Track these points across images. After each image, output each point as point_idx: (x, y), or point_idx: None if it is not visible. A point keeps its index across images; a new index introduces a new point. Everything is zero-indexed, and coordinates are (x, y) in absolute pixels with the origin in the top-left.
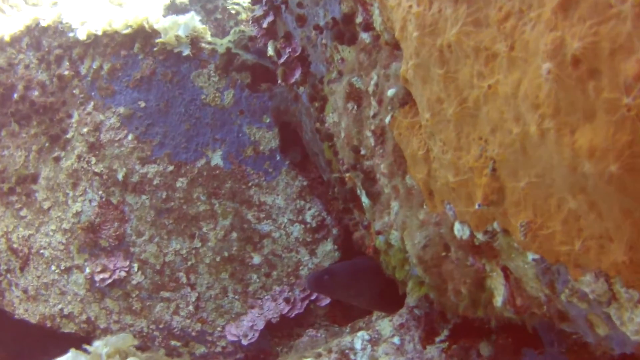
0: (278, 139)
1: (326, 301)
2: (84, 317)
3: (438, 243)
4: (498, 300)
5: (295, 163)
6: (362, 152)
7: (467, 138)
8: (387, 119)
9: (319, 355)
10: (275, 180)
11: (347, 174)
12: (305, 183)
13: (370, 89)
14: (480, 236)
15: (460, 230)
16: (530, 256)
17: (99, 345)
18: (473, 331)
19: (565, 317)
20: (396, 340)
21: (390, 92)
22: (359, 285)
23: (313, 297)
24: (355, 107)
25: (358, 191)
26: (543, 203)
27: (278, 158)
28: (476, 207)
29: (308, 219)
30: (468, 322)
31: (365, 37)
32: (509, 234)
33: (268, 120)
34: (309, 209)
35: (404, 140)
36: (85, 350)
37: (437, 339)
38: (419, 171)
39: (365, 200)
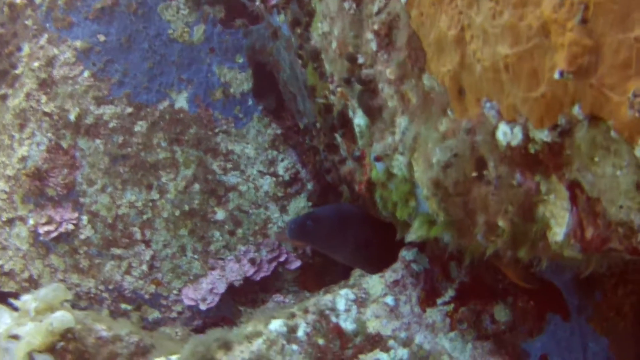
0: (251, 81)
1: (296, 264)
2: (25, 275)
3: (468, 159)
4: (557, 233)
5: (270, 110)
6: (360, 60)
7: None
8: None
9: (292, 315)
10: (245, 127)
11: (339, 89)
12: (279, 131)
13: None
14: (543, 136)
15: (507, 135)
16: None
17: (27, 300)
18: (484, 292)
19: None
20: (389, 300)
21: None
22: (344, 233)
23: (282, 259)
24: (354, 5)
25: (350, 113)
26: None
27: (250, 103)
28: (556, 76)
29: (280, 172)
30: (478, 280)
31: None
32: (598, 122)
33: (241, 60)
34: (282, 160)
35: (426, 23)
36: (11, 305)
37: (440, 301)
38: (446, 62)
39: (360, 121)
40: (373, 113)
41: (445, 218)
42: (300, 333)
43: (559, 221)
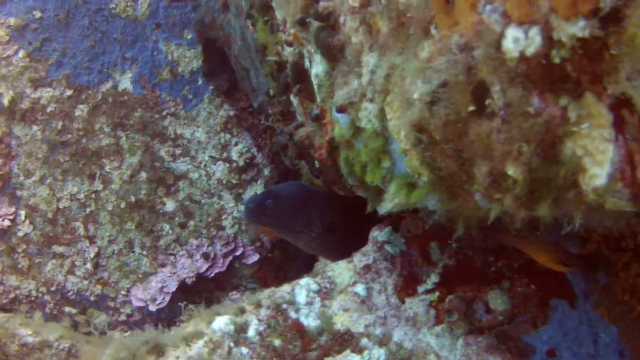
0: (201, 58)
1: (254, 258)
2: None
3: (462, 87)
4: (596, 175)
5: (221, 90)
6: None
7: None
8: None
9: (242, 311)
10: (195, 109)
11: (292, 31)
12: (232, 113)
13: None
14: (577, 29)
15: (519, 41)
16: None
17: None
18: (474, 276)
19: None
20: (360, 289)
21: None
22: (309, 213)
23: (238, 253)
24: None
25: (307, 63)
26: None
27: (200, 82)
28: None
29: (234, 157)
30: (465, 263)
31: None
32: None
33: (190, 36)
34: (236, 144)
35: None
36: None
37: (421, 288)
38: None
39: (318, 69)
40: (334, 54)
41: (430, 176)
42: (251, 332)
43: (597, 159)
